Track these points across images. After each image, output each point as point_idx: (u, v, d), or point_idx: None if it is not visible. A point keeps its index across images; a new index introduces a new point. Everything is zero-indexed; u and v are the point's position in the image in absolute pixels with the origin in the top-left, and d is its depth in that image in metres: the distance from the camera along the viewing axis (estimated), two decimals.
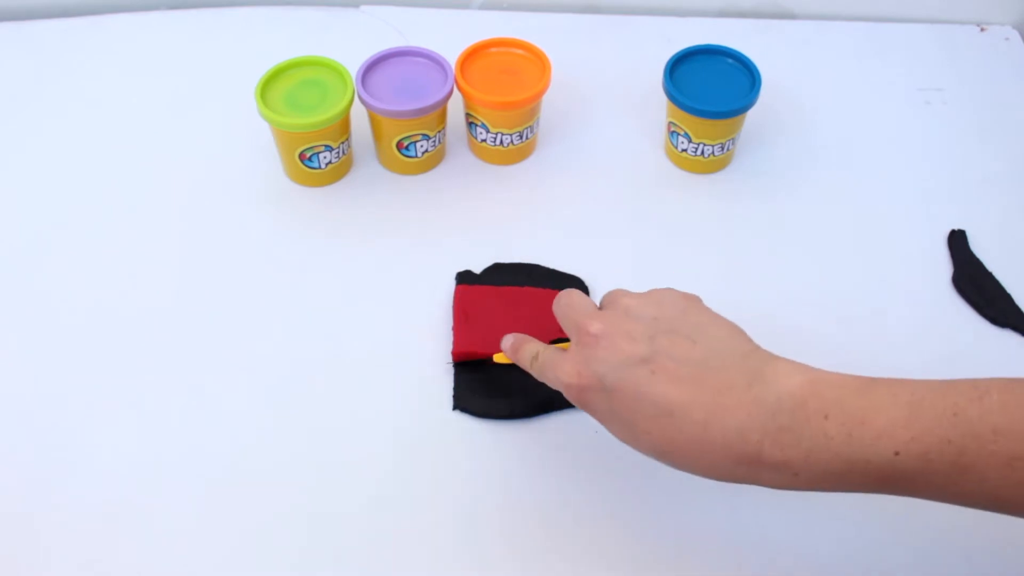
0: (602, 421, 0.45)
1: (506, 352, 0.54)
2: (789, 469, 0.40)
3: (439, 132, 0.68)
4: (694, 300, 0.47)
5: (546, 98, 0.68)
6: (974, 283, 0.63)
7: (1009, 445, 0.37)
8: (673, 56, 0.68)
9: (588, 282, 0.63)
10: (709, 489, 0.48)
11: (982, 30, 0.83)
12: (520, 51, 0.69)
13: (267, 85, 0.65)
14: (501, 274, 0.63)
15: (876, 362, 0.59)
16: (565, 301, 0.50)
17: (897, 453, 0.39)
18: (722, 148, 0.68)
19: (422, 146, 0.67)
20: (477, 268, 0.63)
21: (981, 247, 0.66)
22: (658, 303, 0.46)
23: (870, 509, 0.53)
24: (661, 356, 0.43)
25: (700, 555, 0.52)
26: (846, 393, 0.41)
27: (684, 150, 0.69)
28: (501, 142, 0.69)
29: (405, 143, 0.67)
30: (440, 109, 0.66)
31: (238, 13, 0.81)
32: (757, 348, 0.45)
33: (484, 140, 0.69)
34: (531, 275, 0.63)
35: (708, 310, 0.47)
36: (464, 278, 0.62)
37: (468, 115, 0.69)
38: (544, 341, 0.58)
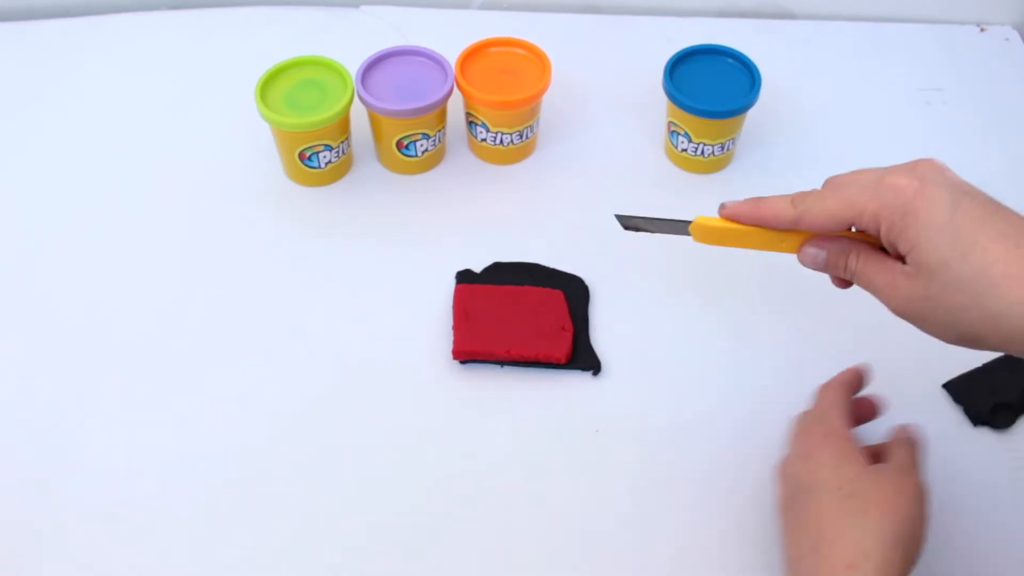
0: (919, 235, 0.40)
1: (738, 215, 0.47)
2: None
3: (439, 131, 0.68)
4: None
5: (546, 98, 0.68)
6: None
7: None
8: (673, 56, 0.68)
9: (588, 282, 0.63)
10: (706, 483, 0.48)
11: (982, 30, 0.83)
12: (520, 51, 0.69)
13: (267, 85, 0.65)
14: (501, 273, 0.63)
15: (875, 361, 0.59)
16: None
17: None
18: (722, 148, 0.68)
19: (422, 145, 0.67)
20: (477, 267, 0.63)
21: None
22: None
23: None
24: (997, 204, 0.41)
25: (699, 553, 0.52)
26: None
27: (684, 150, 0.69)
28: (501, 141, 0.69)
29: (405, 142, 0.67)
30: (440, 108, 0.66)
31: (238, 13, 0.81)
32: None
33: (484, 139, 0.69)
34: (532, 275, 0.62)
35: None
36: (464, 277, 0.62)
37: (468, 114, 0.69)
38: (544, 339, 0.58)
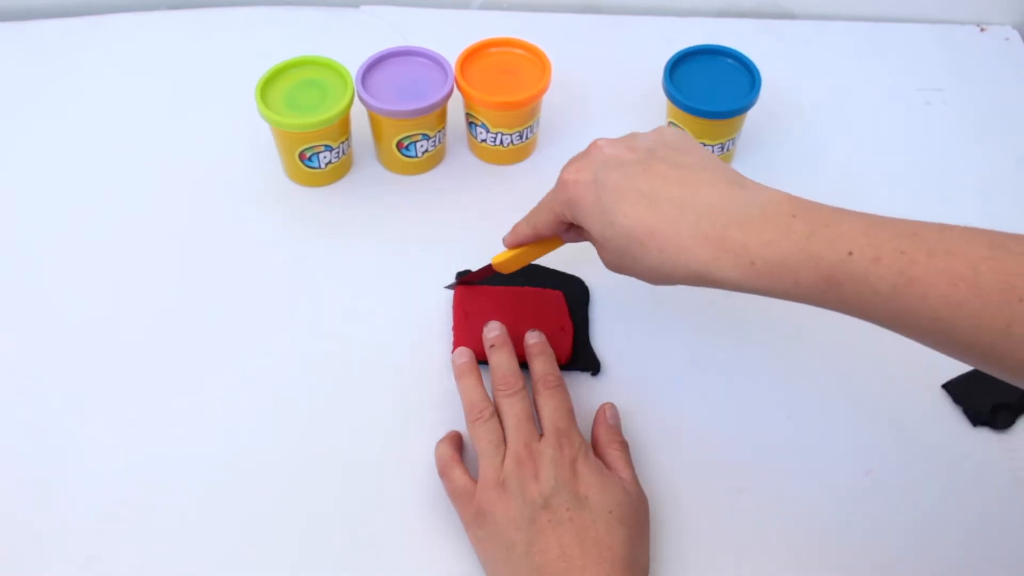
0: (584, 217, 0.47)
1: (507, 243, 0.56)
2: (747, 255, 0.42)
3: (439, 132, 0.68)
4: (694, 139, 0.50)
5: (546, 98, 0.68)
6: None
7: (957, 265, 0.38)
8: (673, 56, 0.68)
9: (587, 283, 0.63)
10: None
11: (982, 30, 0.83)
12: (520, 51, 0.69)
13: (267, 85, 0.65)
14: (499, 273, 0.63)
15: (875, 362, 0.59)
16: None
17: (851, 253, 0.40)
18: (722, 148, 0.68)
19: (422, 146, 0.67)
20: (478, 267, 0.63)
21: None
22: (660, 132, 0.49)
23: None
24: (655, 160, 0.46)
25: (699, 553, 0.52)
26: (819, 205, 0.43)
27: None
28: (501, 142, 0.69)
29: (405, 143, 0.67)
30: (440, 109, 0.66)
31: (238, 13, 0.81)
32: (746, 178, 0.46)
33: (484, 140, 0.69)
34: (531, 276, 0.62)
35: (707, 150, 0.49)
36: (463, 277, 0.62)
37: (468, 115, 0.69)
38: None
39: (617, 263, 0.48)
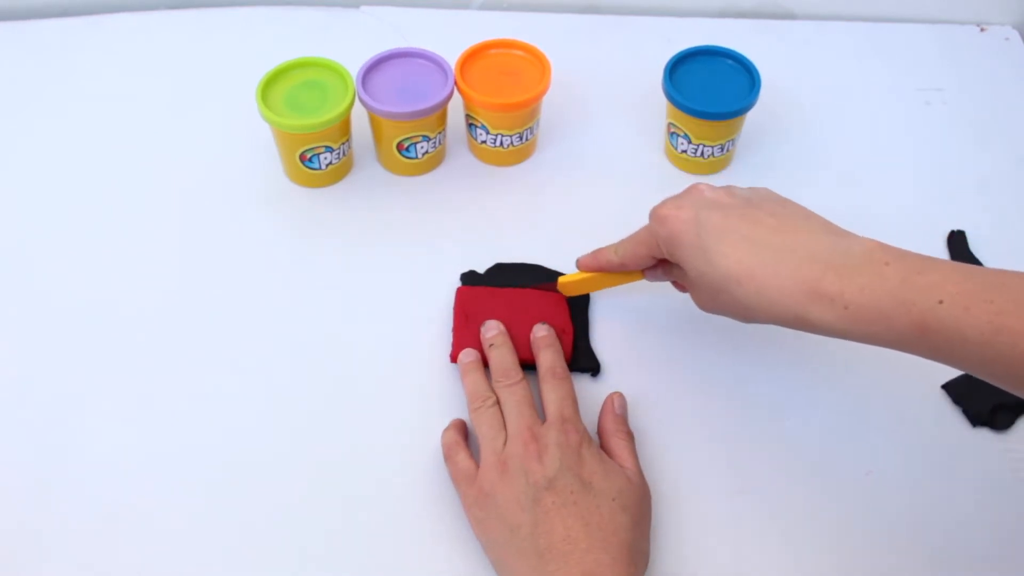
0: (682, 253, 0.49)
1: (584, 266, 0.58)
2: (841, 300, 0.43)
3: (439, 133, 0.68)
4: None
5: (546, 99, 0.68)
6: None
7: None
8: (673, 57, 0.68)
9: None
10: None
11: (982, 30, 0.83)
12: (520, 52, 0.69)
13: (268, 86, 0.65)
14: (504, 274, 0.63)
15: (875, 362, 0.59)
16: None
17: (941, 301, 0.41)
18: (722, 149, 0.68)
19: (422, 147, 0.67)
20: (478, 269, 0.63)
21: (981, 247, 0.66)
22: (756, 189, 0.52)
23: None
24: (753, 207, 0.49)
25: (699, 553, 0.52)
26: (910, 253, 0.45)
27: (684, 151, 0.69)
28: (501, 143, 0.69)
29: (405, 144, 0.67)
30: (440, 111, 0.66)
31: (238, 13, 0.81)
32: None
33: (484, 141, 0.69)
34: (535, 276, 0.63)
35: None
36: (468, 278, 0.62)
37: (468, 116, 0.69)
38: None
39: (711, 301, 0.50)
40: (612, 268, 0.56)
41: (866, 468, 0.55)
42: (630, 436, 0.54)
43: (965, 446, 0.57)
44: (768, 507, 0.54)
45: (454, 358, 0.58)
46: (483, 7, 0.83)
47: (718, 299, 0.49)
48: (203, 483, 0.54)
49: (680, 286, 0.57)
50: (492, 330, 0.58)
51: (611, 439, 0.53)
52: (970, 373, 0.43)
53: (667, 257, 0.52)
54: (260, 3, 0.82)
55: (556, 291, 0.61)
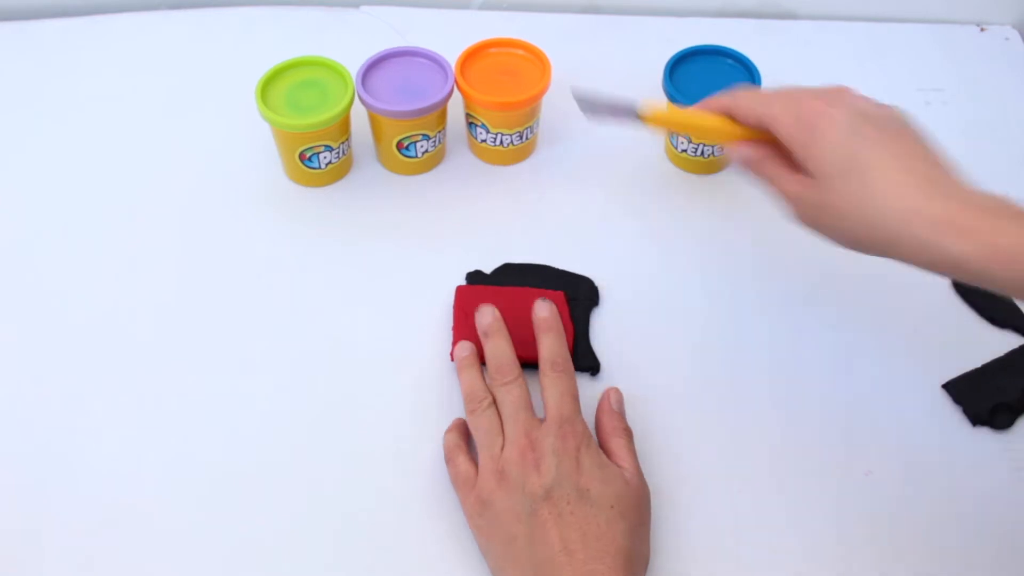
0: (819, 148, 0.46)
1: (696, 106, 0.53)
2: (990, 238, 0.41)
3: (439, 132, 0.68)
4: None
5: (546, 98, 0.68)
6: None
7: None
8: (673, 56, 0.68)
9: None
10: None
11: (982, 30, 0.83)
12: (520, 51, 0.69)
13: (267, 85, 0.65)
14: (511, 274, 0.63)
15: (875, 362, 0.59)
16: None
17: None
18: (722, 149, 0.68)
19: (422, 146, 0.67)
20: (478, 267, 0.63)
21: None
22: (892, 110, 0.49)
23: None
24: (908, 134, 0.47)
25: (699, 553, 0.52)
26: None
27: (684, 150, 0.69)
28: (501, 142, 0.69)
29: (405, 143, 0.67)
30: (440, 109, 0.66)
31: (238, 13, 0.81)
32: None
33: (484, 140, 0.69)
34: (542, 276, 0.62)
35: None
36: (474, 278, 0.62)
37: (468, 115, 0.69)
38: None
39: (817, 211, 0.47)
40: (716, 107, 0.52)
41: (866, 468, 0.55)
42: (628, 434, 0.53)
43: (965, 446, 0.57)
44: (768, 507, 0.54)
45: (454, 356, 0.58)
46: (483, 7, 0.83)
47: (839, 207, 0.45)
48: (202, 482, 0.54)
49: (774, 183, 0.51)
50: (487, 317, 0.56)
51: (610, 439, 0.53)
52: None
53: (790, 144, 0.47)
54: (260, 3, 0.82)
55: (560, 292, 0.61)
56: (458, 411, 0.57)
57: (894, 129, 0.46)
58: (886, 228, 0.44)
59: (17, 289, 0.63)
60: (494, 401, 0.53)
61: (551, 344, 0.55)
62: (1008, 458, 0.56)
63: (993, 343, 0.61)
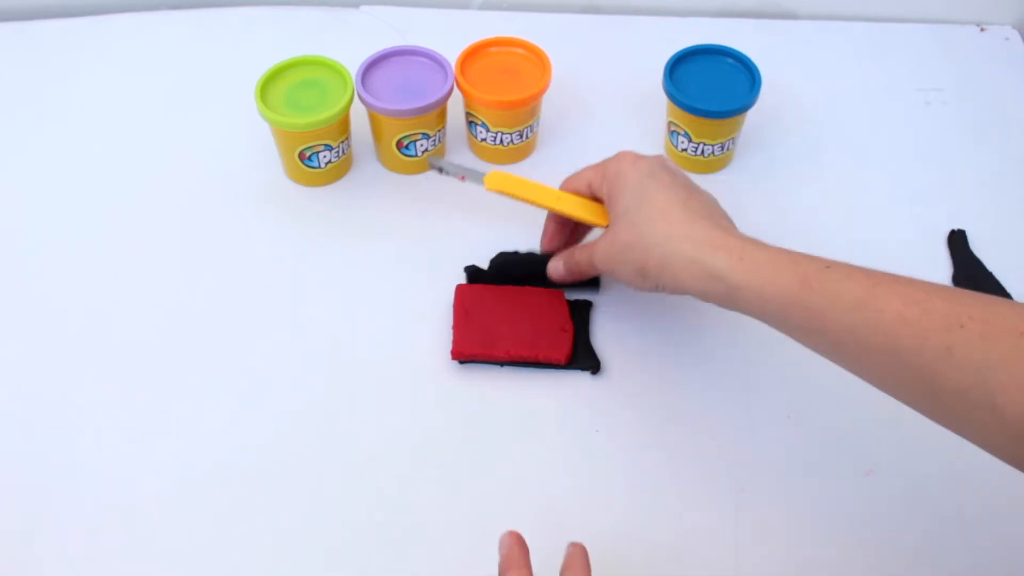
0: (618, 190, 0.55)
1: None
2: (740, 252, 0.49)
3: (439, 131, 0.68)
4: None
5: (546, 98, 0.68)
6: (974, 283, 0.63)
7: (915, 291, 0.43)
8: (673, 56, 0.68)
9: (588, 281, 0.63)
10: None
11: (982, 30, 0.83)
12: (520, 51, 0.69)
13: (267, 85, 0.65)
14: (506, 264, 0.62)
15: None
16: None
17: (828, 267, 0.47)
18: (722, 148, 0.68)
19: (422, 145, 0.67)
20: (479, 264, 0.63)
21: (981, 247, 0.66)
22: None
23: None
24: (694, 188, 0.54)
25: (699, 552, 0.52)
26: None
27: (684, 150, 0.69)
28: (501, 141, 0.69)
29: (405, 142, 0.67)
30: (440, 108, 0.66)
31: (238, 13, 0.81)
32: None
33: (484, 139, 0.69)
34: (539, 264, 0.62)
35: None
36: (472, 272, 0.62)
37: (468, 114, 0.69)
38: (544, 340, 0.58)
39: (611, 248, 0.54)
40: (569, 189, 0.59)
41: (866, 468, 0.55)
42: None
43: (965, 446, 0.56)
44: (768, 506, 0.54)
45: (455, 355, 0.58)
46: (483, 7, 0.83)
47: (627, 240, 0.52)
48: (202, 482, 0.54)
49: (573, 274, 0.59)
50: (503, 547, 0.46)
51: None
52: (826, 348, 0.47)
53: (598, 191, 0.57)
54: (260, 3, 0.82)
55: (560, 291, 0.61)
56: (458, 409, 0.57)
57: (685, 180, 0.54)
58: (660, 248, 0.50)
59: (17, 289, 0.63)
60: None
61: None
62: None
63: None
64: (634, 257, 0.52)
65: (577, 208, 0.58)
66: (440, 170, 0.63)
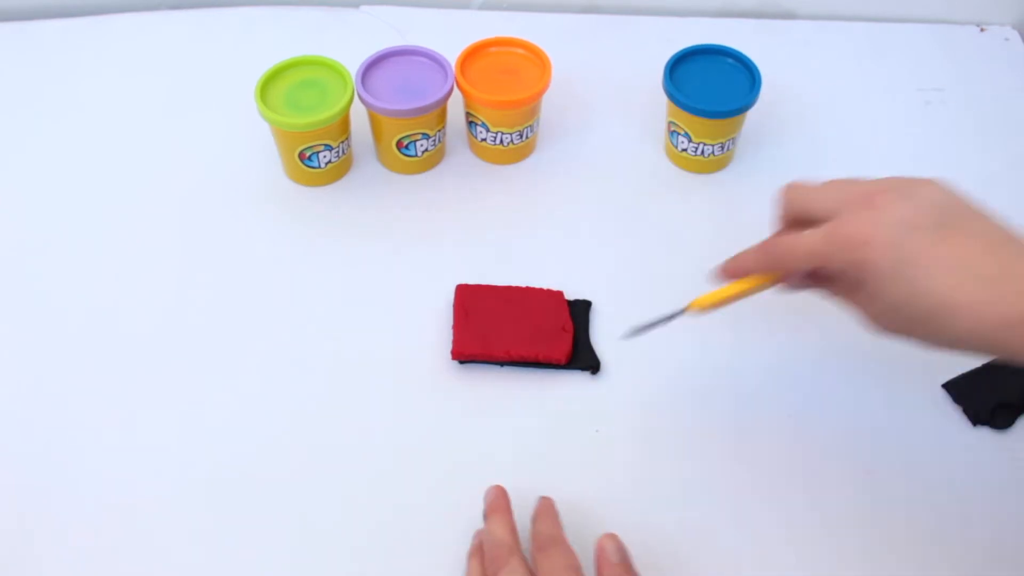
0: (876, 282, 0.44)
1: (728, 271, 0.52)
2: None
3: (439, 131, 0.68)
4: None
5: (546, 98, 0.68)
6: None
7: None
8: (673, 56, 0.68)
9: (588, 281, 0.63)
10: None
11: (982, 30, 0.83)
12: (520, 50, 0.69)
13: (267, 85, 0.65)
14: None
15: (876, 361, 0.59)
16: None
17: None
18: (722, 148, 0.68)
19: (422, 145, 0.67)
20: (478, 266, 0.63)
21: None
22: (933, 189, 0.47)
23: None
24: (953, 229, 0.44)
25: (700, 552, 0.52)
26: None
27: (684, 150, 0.69)
28: (501, 141, 0.69)
29: (405, 142, 0.67)
30: (440, 108, 0.66)
31: (238, 13, 0.81)
32: None
33: (484, 139, 0.69)
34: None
35: None
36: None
37: (468, 114, 0.69)
38: (544, 340, 0.58)
39: (904, 328, 0.45)
40: (760, 269, 0.50)
41: (866, 468, 0.55)
42: None
43: (965, 446, 0.57)
44: (768, 506, 0.54)
45: (455, 355, 0.58)
46: (483, 7, 0.83)
47: (913, 328, 0.44)
48: (203, 482, 0.54)
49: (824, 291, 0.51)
50: (489, 494, 0.52)
51: None
52: None
53: (840, 277, 0.47)
54: (260, 3, 0.82)
55: (559, 292, 0.61)
56: (458, 408, 0.57)
57: (940, 231, 0.43)
58: (966, 342, 0.43)
59: (17, 289, 0.63)
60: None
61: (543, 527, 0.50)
62: (1008, 458, 0.56)
63: None
64: (931, 342, 0.45)
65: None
66: (642, 330, 0.55)
